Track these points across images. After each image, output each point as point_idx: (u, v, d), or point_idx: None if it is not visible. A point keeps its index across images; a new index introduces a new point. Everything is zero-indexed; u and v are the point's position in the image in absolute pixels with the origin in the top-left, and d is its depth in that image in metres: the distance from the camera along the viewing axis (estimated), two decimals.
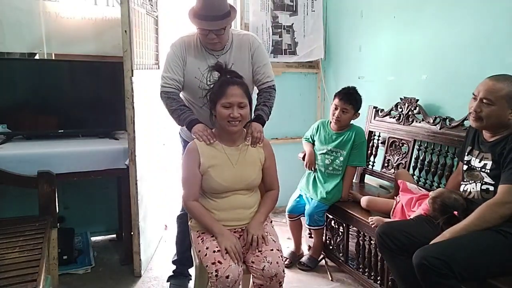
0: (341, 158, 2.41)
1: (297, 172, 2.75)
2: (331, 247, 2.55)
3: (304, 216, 2.52)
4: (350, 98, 2.36)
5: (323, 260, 2.58)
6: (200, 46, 1.96)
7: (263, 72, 2.02)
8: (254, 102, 1.97)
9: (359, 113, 2.41)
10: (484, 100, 1.66)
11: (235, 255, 1.58)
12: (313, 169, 2.50)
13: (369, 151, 2.81)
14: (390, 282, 2.05)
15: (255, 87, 2.08)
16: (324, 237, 2.57)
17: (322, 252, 2.58)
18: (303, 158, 2.73)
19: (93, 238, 2.89)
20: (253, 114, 1.90)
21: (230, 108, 1.65)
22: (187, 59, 1.94)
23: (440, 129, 2.28)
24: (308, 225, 2.45)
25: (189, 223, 1.87)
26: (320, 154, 2.48)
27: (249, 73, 2.01)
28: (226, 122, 1.67)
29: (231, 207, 1.74)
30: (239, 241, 1.67)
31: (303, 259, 2.53)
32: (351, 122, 2.45)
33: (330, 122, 2.49)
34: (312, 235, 2.58)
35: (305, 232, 2.78)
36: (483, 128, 1.73)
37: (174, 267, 2.28)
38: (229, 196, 1.74)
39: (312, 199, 2.45)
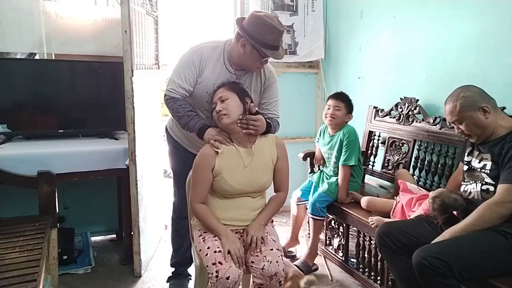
0: (334, 159, 2.46)
1: (298, 172, 2.76)
2: (331, 247, 2.55)
3: (307, 203, 2.56)
4: (342, 97, 2.47)
5: (316, 266, 2.52)
6: (223, 62, 1.89)
7: (271, 108, 1.99)
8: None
9: (352, 115, 2.46)
10: (455, 123, 1.76)
11: (237, 259, 1.58)
12: (321, 163, 2.63)
13: (369, 151, 2.81)
14: (390, 282, 2.05)
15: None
16: (324, 237, 2.57)
17: (315, 262, 2.53)
18: (304, 158, 2.76)
19: (93, 238, 2.89)
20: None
21: (215, 107, 1.71)
22: (204, 71, 1.87)
23: (440, 129, 2.28)
24: (311, 213, 2.43)
25: (190, 221, 1.87)
26: (324, 154, 2.59)
27: (257, 101, 1.99)
28: (217, 120, 1.71)
29: (237, 207, 1.74)
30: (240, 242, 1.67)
31: (297, 263, 2.48)
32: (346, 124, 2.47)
33: (327, 126, 2.55)
34: (310, 232, 2.56)
35: (305, 232, 2.79)
36: (480, 140, 1.75)
37: (173, 269, 2.28)
38: (239, 197, 1.74)
39: (318, 188, 2.50)
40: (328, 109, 2.45)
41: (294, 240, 2.72)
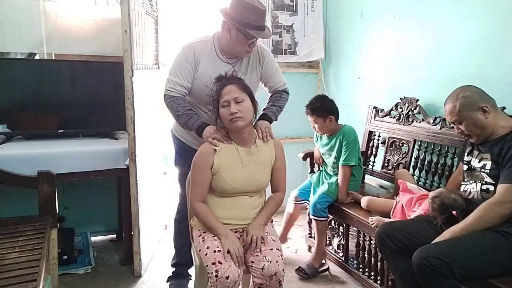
0: (334, 160, 2.45)
1: (297, 172, 2.75)
2: (331, 247, 2.55)
3: (305, 202, 2.56)
4: (312, 110, 2.42)
5: (325, 267, 2.47)
6: (216, 54, 1.92)
7: (273, 79, 2.06)
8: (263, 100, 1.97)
9: (331, 117, 2.39)
10: (455, 123, 1.76)
11: (237, 259, 1.58)
12: (320, 162, 2.62)
13: (369, 151, 2.81)
14: (390, 282, 2.05)
15: (258, 87, 2.09)
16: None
17: (324, 262, 2.48)
18: (303, 158, 2.76)
19: (93, 238, 2.89)
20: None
21: (228, 106, 1.66)
22: (199, 66, 1.89)
23: (440, 129, 2.28)
24: (312, 215, 2.42)
25: (190, 221, 1.87)
26: (322, 155, 2.58)
27: (257, 80, 2.04)
28: (229, 121, 1.67)
29: (235, 205, 1.74)
30: (239, 242, 1.67)
31: (302, 265, 2.46)
32: (341, 124, 2.47)
33: None
34: (314, 234, 2.55)
35: (305, 233, 2.79)
36: (480, 140, 1.75)
37: (173, 269, 2.28)
38: (237, 196, 1.75)
39: (317, 190, 2.48)
40: (311, 122, 2.46)
41: (283, 238, 2.71)
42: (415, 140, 2.45)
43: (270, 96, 2.09)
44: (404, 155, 2.53)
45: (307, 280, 2.40)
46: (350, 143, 2.37)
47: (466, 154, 1.86)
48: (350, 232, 2.39)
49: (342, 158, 2.38)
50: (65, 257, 2.43)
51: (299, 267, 2.45)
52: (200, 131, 1.79)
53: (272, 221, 1.88)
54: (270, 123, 1.91)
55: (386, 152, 2.67)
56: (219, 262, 1.54)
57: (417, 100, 2.46)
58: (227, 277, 1.49)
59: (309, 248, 2.76)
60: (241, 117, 1.66)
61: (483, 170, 1.73)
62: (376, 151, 2.79)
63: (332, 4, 3.37)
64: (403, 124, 2.54)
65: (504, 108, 1.92)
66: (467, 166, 1.83)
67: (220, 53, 1.93)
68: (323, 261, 2.47)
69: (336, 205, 2.40)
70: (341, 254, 2.46)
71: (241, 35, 1.80)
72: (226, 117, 1.67)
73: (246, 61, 1.98)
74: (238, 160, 1.72)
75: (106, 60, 2.73)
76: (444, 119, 2.25)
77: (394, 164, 2.58)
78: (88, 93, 2.65)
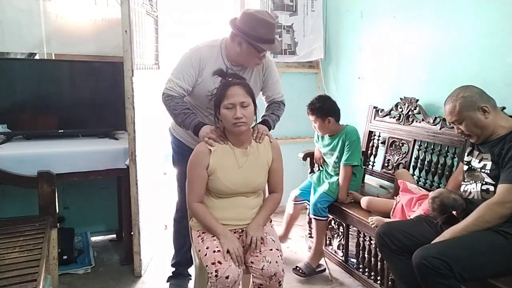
0: (336, 160, 2.45)
1: (298, 172, 2.74)
2: (331, 247, 2.55)
3: (305, 202, 2.56)
4: (311, 110, 2.44)
5: (322, 268, 2.47)
6: (222, 61, 1.92)
7: (273, 89, 2.07)
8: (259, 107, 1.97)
9: (330, 118, 2.39)
10: (455, 123, 1.76)
11: (236, 258, 1.58)
12: (321, 162, 2.63)
13: (369, 151, 2.81)
14: (390, 282, 2.05)
15: (260, 93, 2.10)
16: (324, 237, 2.56)
17: (322, 263, 2.48)
18: (304, 158, 2.76)
19: (93, 238, 2.89)
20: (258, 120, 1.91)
21: (233, 108, 1.64)
22: (204, 71, 1.89)
23: (440, 129, 2.28)
24: (313, 214, 2.42)
25: (189, 222, 1.87)
26: (324, 155, 2.58)
27: (259, 88, 2.05)
28: (232, 124, 1.65)
29: (232, 206, 1.74)
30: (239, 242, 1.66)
31: (300, 264, 2.46)
32: (343, 124, 2.47)
33: None
34: (313, 234, 2.56)
35: (305, 233, 2.78)
36: (480, 140, 1.75)
37: (173, 268, 2.28)
38: (233, 197, 1.75)
39: (317, 189, 2.48)
40: (311, 122, 2.47)
41: (284, 238, 2.72)
42: (415, 140, 2.45)
43: (269, 105, 2.09)
44: (404, 155, 2.53)
45: (307, 280, 2.40)
46: (353, 143, 2.37)
47: (466, 154, 1.86)
48: (350, 232, 2.39)
49: (344, 158, 2.38)
50: (65, 257, 2.43)
51: (296, 267, 2.44)
52: (197, 131, 1.79)
53: (271, 221, 1.88)
54: (269, 129, 1.92)
55: (386, 152, 2.67)
56: (219, 262, 1.54)
57: (417, 100, 2.45)
58: (227, 277, 1.49)
59: (309, 248, 2.76)
60: (245, 122, 1.65)
61: (483, 170, 1.73)
62: (376, 151, 2.79)
63: (332, 4, 3.37)
64: (403, 124, 2.54)
65: (504, 108, 1.92)
66: (467, 166, 1.83)
67: (227, 59, 1.93)
68: (321, 262, 2.47)
69: (336, 205, 2.40)
70: (341, 254, 2.46)
71: (252, 48, 1.81)
72: (230, 120, 1.65)
73: (250, 69, 1.98)
74: (234, 161, 1.72)
75: (106, 60, 2.73)
76: (444, 119, 2.25)
77: (394, 164, 2.58)
78: (88, 93, 2.65)
